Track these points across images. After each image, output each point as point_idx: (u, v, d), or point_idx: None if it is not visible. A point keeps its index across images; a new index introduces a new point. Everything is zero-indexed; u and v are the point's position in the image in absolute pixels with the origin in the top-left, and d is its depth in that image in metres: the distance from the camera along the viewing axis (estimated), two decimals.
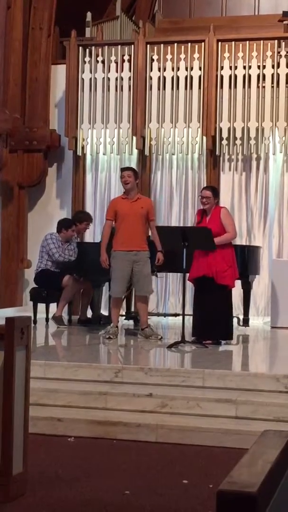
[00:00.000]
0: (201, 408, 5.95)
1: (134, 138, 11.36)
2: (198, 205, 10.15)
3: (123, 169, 8.85)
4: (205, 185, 10.62)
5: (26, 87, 11.79)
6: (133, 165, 11.61)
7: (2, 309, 11.12)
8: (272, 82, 10.88)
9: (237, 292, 10.84)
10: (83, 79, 11.60)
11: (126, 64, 11.40)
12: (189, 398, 6.04)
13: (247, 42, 11.03)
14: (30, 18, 11.76)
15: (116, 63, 11.47)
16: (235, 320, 10.15)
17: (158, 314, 10.92)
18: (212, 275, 7.95)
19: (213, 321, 8.01)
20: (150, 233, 8.76)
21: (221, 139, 11.05)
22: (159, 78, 11.29)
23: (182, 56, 11.18)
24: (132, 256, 8.40)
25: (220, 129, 11.04)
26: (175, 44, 11.26)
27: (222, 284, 7.99)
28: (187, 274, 8.12)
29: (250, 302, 10.27)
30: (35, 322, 9.59)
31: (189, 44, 11.20)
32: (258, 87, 10.95)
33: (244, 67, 10.98)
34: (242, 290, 10.22)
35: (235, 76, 11.02)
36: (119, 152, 11.52)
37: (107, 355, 7.94)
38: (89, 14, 12.25)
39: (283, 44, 10.96)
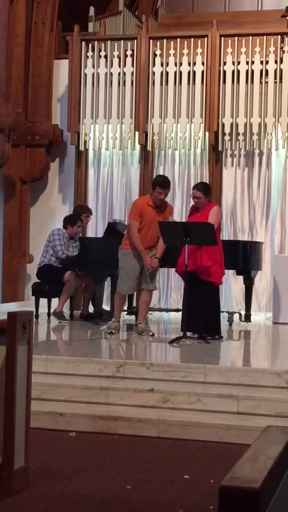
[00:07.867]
0: (203, 404, 5.96)
1: (137, 133, 11.34)
2: None
3: (166, 187, 8.42)
4: (206, 181, 10.61)
5: (29, 82, 11.78)
6: (136, 160, 11.62)
7: (4, 303, 11.14)
8: (275, 78, 10.87)
9: (239, 287, 10.88)
10: (85, 74, 11.58)
11: (128, 59, 11.39)
12: (190, 393, 6.05)
13: (250, 37, 11.01)
14: (33, 13, 11.75)
15: (119, 58, 11.45)
16: (236, 316, 10.19)
17: (159, 310, 10.93)
18: (197, 271, 7.95)
19: (198, 316, 8.00)
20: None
21: (223, 134, 11.03)
22: (161, 73, 11.27)
23: (185, 51, 11.16)
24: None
25: (223, 125, 11.02)
26: (178, 39, 11.23)
27: (207, 280, 8.00)
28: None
29: (252, 298, 10.27)
30: (37, 317, 9.60)
31: (192, 39, 11.17)
32: (261, 82, 10.93)
33: (247, 63, 10.96)
34: (244, 285, 10.22)
35: (238, 72, 11.00)
36: (121, 147, 11.51)
37: (109, 350, 7.95)
38: (92, 9, 12.23)
39: (286, 39, 10.94)
